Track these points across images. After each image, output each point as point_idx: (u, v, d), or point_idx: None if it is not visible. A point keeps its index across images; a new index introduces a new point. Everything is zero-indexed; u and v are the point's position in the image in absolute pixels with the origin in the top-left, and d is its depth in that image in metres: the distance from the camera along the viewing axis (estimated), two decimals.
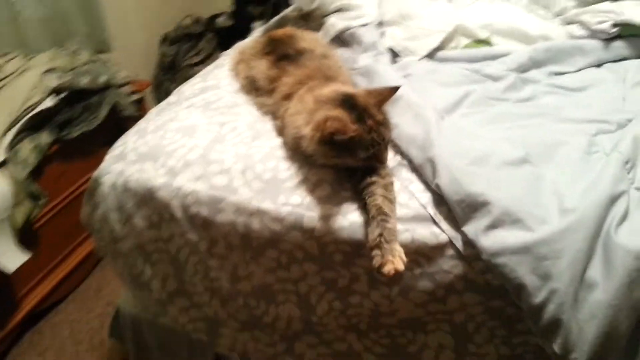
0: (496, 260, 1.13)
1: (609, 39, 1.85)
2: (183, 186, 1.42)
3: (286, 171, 1.41)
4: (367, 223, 1.24)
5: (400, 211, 1.26)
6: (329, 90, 1.34)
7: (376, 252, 1.17)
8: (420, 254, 1.25)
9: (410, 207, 1.28)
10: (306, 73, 1.54)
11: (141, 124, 1.67)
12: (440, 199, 1.28)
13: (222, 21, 3.86)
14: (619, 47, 1.84)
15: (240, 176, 1.41)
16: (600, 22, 1.85)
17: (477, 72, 1.75)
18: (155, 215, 1.46)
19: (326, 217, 1.30)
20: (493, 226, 1.16)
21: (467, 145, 1.33)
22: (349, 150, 1.19)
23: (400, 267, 1.13)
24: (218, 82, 1.90)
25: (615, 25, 1.82)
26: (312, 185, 1.36)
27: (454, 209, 1.23)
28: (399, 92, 1.53)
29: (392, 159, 1.42)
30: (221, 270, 1.42)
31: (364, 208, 1.28)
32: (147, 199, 1.46)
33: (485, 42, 1.99)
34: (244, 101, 1.77)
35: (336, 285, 1.34)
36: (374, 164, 1.27)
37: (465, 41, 2.01)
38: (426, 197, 1.30)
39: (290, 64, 1.65)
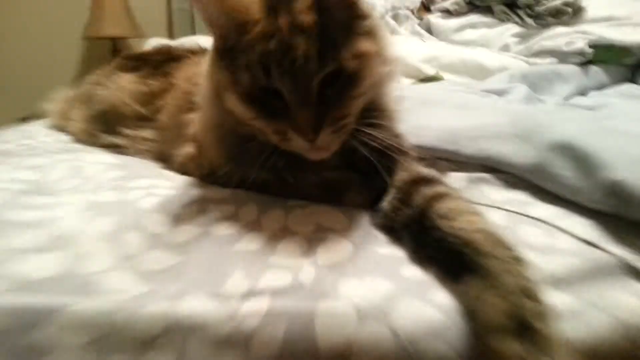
0: None
1: (584, 64, 1.46)
2: None
3: (232, 220, 0.56)
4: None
5: (551, 264, 0.50)
6: None
7: (510, 345, 0.40)
8: None
9: (569, 252, 0.53)
10: None
11: None
12: (621, 225, 0.55)
13: None
14: (597, 72, 1.47)
15: (107, 248, 0.52)
16: (570, 44, 1.47)
17: (470, 87, 1.17)
18: None
19: (375, 310, 0.47)
20: None
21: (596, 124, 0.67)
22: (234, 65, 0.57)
23: None
24: (30, 132, 1.02)
25: (592, 45, 1.45)
26: (305, 242, 0.54)
27: None
28: (401, 91, 0.86)
29: (451, 177, 0.68)
30: None
31: (435, 263, 0.50)
32: None
33: (434, 79, 1.47)
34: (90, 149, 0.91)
35: None
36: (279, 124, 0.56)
37: (408, 82, 1.47)
38: (583, 225, 0.56)
39: (180, 62, 0.91)
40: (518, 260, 0.45)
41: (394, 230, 0.56)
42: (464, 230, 0.49)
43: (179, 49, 1.03)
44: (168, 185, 0.65)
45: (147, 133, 0.85)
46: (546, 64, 1.50)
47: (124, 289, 0.48)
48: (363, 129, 0.58)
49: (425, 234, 0.52)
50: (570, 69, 1.45)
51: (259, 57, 0.53)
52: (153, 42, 1.80)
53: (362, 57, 0.56)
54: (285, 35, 0.53)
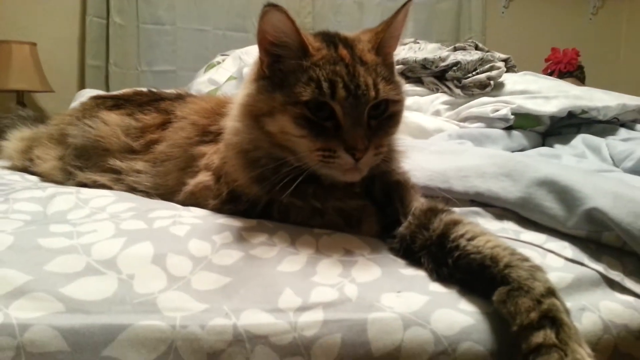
0: None
1: (507, 129, 1.67)
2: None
3: (269, 245, 0.60)
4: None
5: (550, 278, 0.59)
6: None
7: (546, 337, 0.49)
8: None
9: (560, 269, 0.63)
10: (217, 102, 0.88)
11: None
12: (595, 247, 0.66)
13: None
14: (518, 136, 1.68)
15: (154, 271, 0.54)
16: (495, 111, 1.68)
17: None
18: None
19: (417, 318, 0.53)
20: None
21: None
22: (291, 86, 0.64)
23: None
24: None
25: (513, 113, 1.66)
26: (340, 265, 0.59)
27: None
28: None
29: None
30: None
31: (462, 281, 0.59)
32: None
33: None
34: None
35: None
36: (331, 145, 0.62)
37: None
38: (565, 247, 0.66)
39: (177, 101, 0.96)
40: (538, 268, 0.54)
41: (412, 253, 0.63)
42: (485, 247, 0.57)
43: (162, 91, 1.07)
44: (191, 215, 0.67)
45: (139, 165, 0.86)
46: (475, 127, 1.69)
47: (183, 307, 0.50)
48: (381, 165, 0.66)
49: (445, 254, 0.59)
50: (497, 132, 1.64)
51: (328, 73, 0.62)
52: (87, 93, 1.79)
53: (399, 101, 0.67)
54: (349, 63, 0.63)
